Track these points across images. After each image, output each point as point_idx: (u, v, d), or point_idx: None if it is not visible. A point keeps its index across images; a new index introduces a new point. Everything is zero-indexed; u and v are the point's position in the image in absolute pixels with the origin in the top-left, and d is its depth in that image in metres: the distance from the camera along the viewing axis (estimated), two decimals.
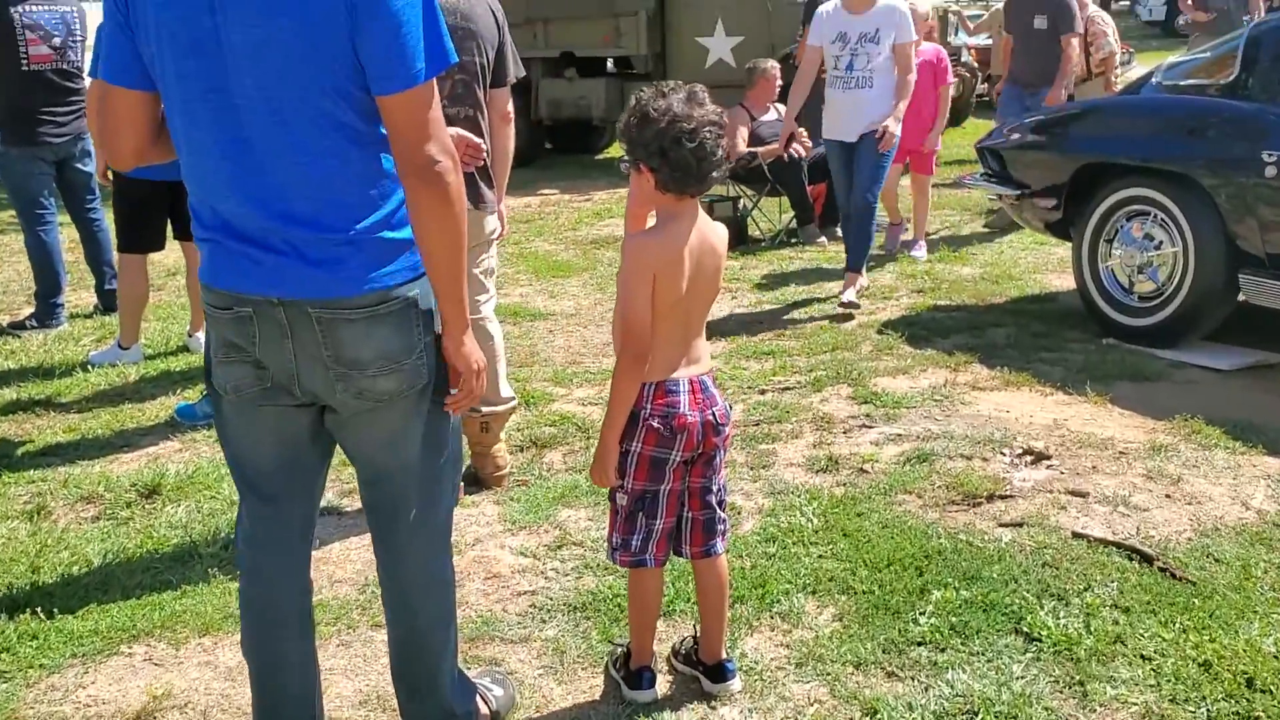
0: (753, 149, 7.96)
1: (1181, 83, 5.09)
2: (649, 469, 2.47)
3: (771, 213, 8.52)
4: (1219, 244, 4.66)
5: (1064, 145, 5.34)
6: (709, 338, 2.55)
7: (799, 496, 3.63)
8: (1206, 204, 4.68)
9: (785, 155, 7.30)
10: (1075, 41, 7.73)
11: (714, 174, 2.36)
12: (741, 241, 8.11)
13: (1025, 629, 2.81)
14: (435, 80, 2.00)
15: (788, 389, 4.76)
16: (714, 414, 2.49)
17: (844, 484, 3.73)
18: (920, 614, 2.89)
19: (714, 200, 8.23)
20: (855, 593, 3.02)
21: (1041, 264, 6.88)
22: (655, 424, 2.44)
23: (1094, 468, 3.76)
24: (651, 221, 2.47)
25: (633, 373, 2.39)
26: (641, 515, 2.50)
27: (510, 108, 3.75)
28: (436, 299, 2.12)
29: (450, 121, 3.56)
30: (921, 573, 3.09)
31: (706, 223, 2.47)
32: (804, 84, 5.99)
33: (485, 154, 3.60)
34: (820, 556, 3.23)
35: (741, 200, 8.38)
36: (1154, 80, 5.27)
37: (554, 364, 5.29)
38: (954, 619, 2.86)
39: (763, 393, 4.74)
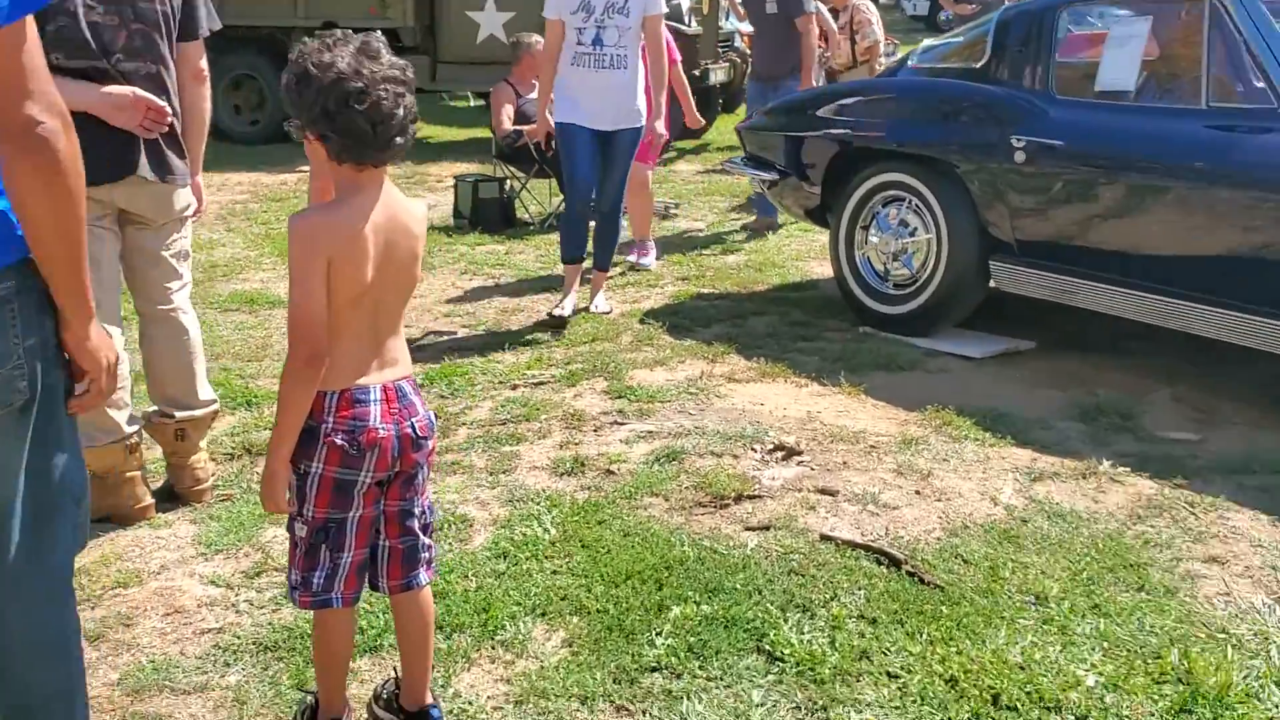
0: (519, 127, 7.61)
1: (936, 66, 5.04)
2: (333, 494, 2.09)
3: (541, 194, 8.20)
4: (971, 230, 4.63)
5: (821, 128, 5.22)
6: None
7: (539, 504, 3.31)
8: (959, 190, 4.63)
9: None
10: (812, 22, 7.23)
11: (399, 140, 1.99)
12: (509, 225, 7.79)
13: (768, 647, 2.58)
14: (29, 20, 1.57)
15: (541, 384, 4.44)
16: (413, 426, 2.13)
17: (589, 488, 3.44)
18: (657, 634, 2.62)
19: (479, 180, 7.87)
20: (589, 613, 2.73)
21: (806, 251, 6.82)
22: (339, 440, 2.06)
23: (845, 463, 3.61)
24: None
25: (305, 377, 2.01)
26: (325, 548, 2.12)
27: (204, 64, 3.27)
28: (51, 289, 1.70)
29: (128, 79, 3.05)
30: (661, 586, 2.83)
31: (398, 199, 2.10)
32: (550, 64, 5.25)
33: (172, 117, 3.12)
34: (554, 573, 2.92)
35: (509, 181, 8.02)
36: (909, 63, 5.22)
37: None
38: (692, 639, 2.61)
39: (514, 388, 4.41)
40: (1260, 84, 3.85)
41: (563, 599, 2.80)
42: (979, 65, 4.70)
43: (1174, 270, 3.99)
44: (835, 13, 8.65)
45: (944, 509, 3.31)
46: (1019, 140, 4.35)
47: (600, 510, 3.26)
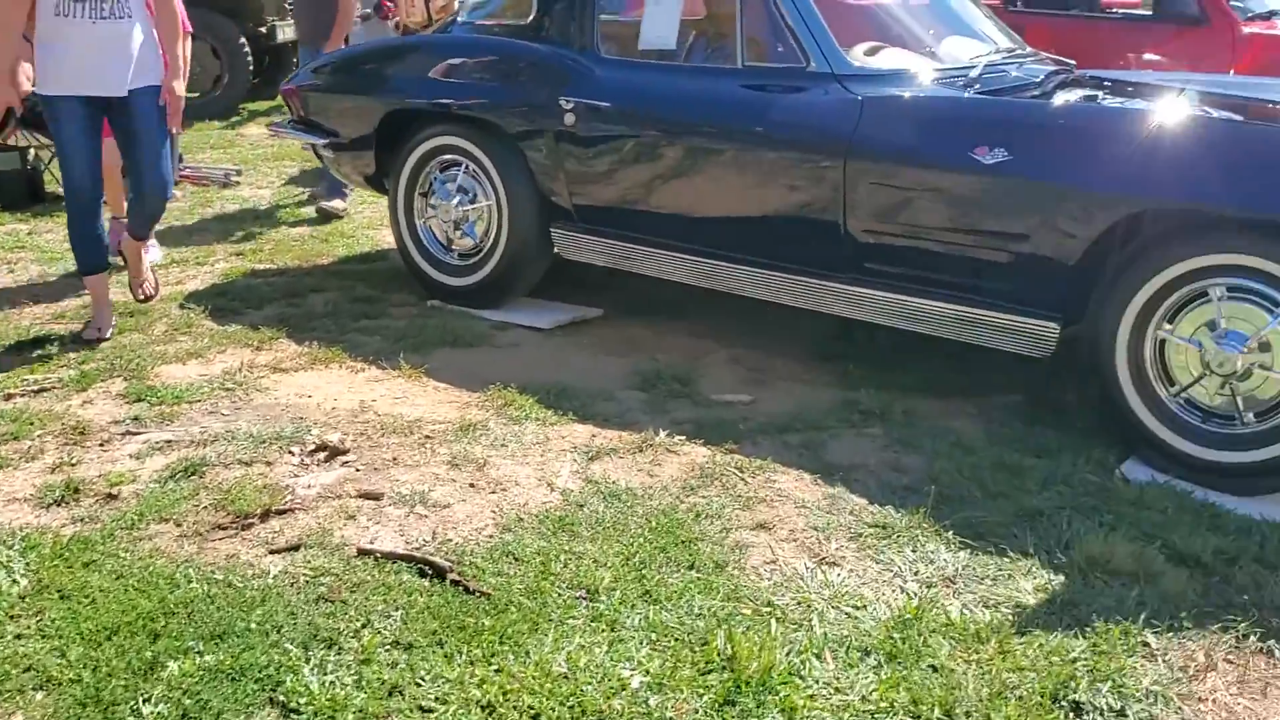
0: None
1: (487, 22, 4.76)
2: None
3: None
4: (530, 197, 4.42)
5: (370, 88, 4.82)
6: None
7: (11, 548, 2.73)
8: (515, 154, 4.41)
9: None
10: None
11: None
12: (37, 200, 6.77)
13: (282, 698, 2.22)
14: None
15: (43, 391, 3.77)
16: None
17: (81, 519, 2.89)
18: (145, 701, 2.19)
19: None
20: (59, 684, 2.24)
21: (377, 219, 6.40)
22: None
23: (395, 459, 3.29)
24: None
25: None
26: None
27: None
28: None
29: None
30: (156, 638, 2.38)
31: None
32: (15, 10, 4.04)
33: None
34: (19, 636, 2.39)
35: (33, 150, 6.96)
36: (460, 19, 4.92)
37: None
38: (189, 700, 2.19)
39: (8, 399, 3.71)
40: (792, 43, 3.88)
41: (26, 670, 2.28)
42: (527, 22, 4.47)
43: (720, 233, 3.98)
44: None
45: (498, 501, 3.07)
46: (567, 102, 4.18)
47: (91, 548, 2.73)
